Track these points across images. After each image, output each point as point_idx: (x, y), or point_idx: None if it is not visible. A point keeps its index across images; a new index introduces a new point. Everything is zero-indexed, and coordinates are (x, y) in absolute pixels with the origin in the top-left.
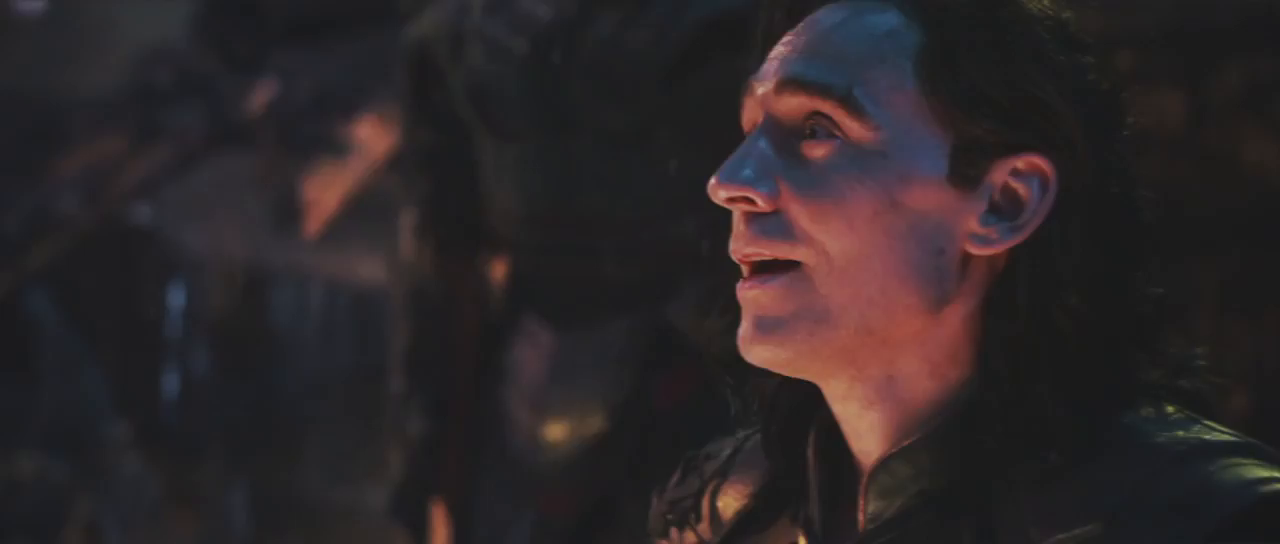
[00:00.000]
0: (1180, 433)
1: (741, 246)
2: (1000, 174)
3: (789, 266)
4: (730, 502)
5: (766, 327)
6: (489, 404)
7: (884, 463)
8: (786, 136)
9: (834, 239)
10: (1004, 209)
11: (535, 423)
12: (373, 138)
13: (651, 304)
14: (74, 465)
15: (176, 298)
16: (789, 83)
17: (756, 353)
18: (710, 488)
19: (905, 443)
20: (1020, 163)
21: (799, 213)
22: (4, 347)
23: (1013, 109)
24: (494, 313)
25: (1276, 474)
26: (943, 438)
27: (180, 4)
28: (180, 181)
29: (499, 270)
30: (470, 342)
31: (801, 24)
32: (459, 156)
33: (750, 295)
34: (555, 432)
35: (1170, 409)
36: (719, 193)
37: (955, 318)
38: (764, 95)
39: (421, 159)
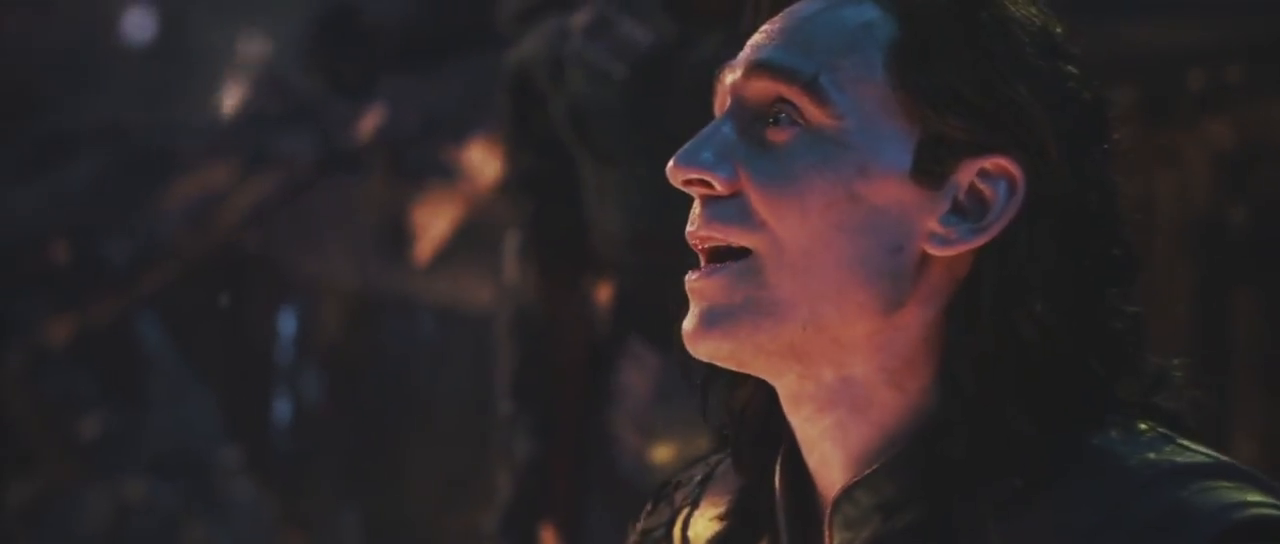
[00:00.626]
0: (1152, 455)
1: (696, 230)
2: (966, 174)
3: (741, 255)
4: (702, 529)
5: (712, 319)
6: (596, 427)
7: (847, 492)
8: (751, 122)
9: (787, 228)
10: (968, 210)
11: (642, 445)
12: (482, 162)
13: None
14: (184, 491)
15: (287, 325)
16: (757, 67)
17: (701, 347)
18: (681, 517)
19: (868, 471)
20: (988, 164)
21: (755, 199)
22: (115, 373)
23: (983, 108)
24: (599, 335)
25: (1253, 497)
26: (905, 462)
27: (289, 31)
28: (290, 209)
29: (604, 293)
30: (575, 364)
31: (781, 13)
32: (562, 180)
33: (697, 287)
34: (662, 453)
35: (1143, 427)
36: (676, 175)
37: (913, 323)
38: (733, 81)
39: (524, 183)
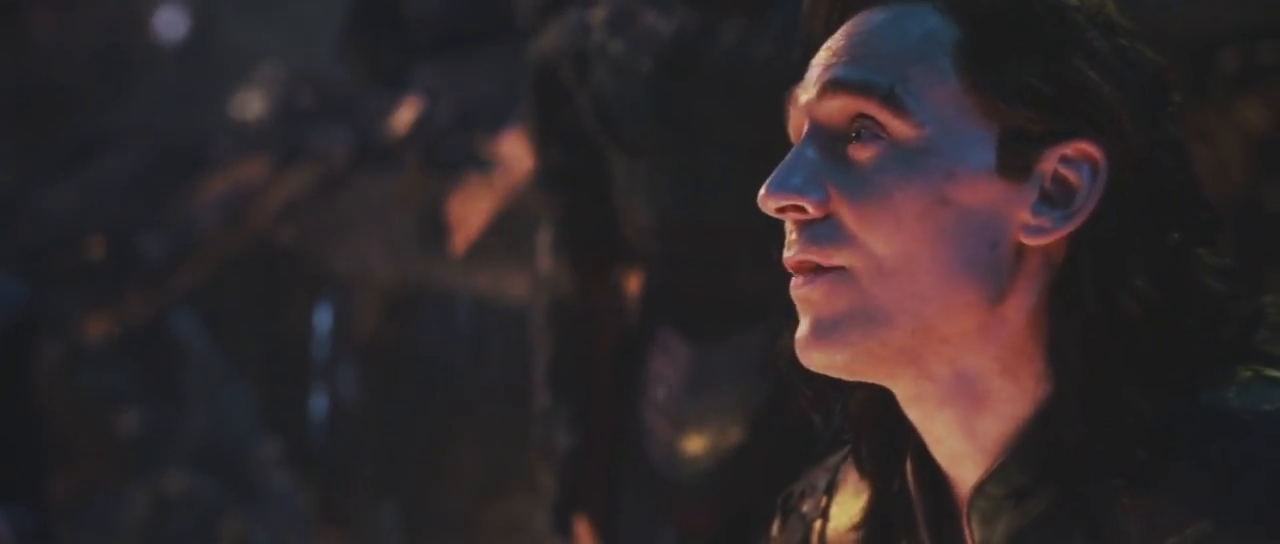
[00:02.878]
0: (1267, 406)
1: (794, 255)
2: (1049, 162)
3: (837, 268)
4: (837, 540)
5: (822, 330)
6: (628, 418)
7: (980, 488)
8: (833, 141)
9: (882, 241)
10: (1056, 197)
11: (673, 436)
12: (517, 154)
13: (787, 313)
14: (223, 485)
15: (323, 319)
16: (831, 86)
17: (814, 358)
18: (816, 530)
19: (995, 465)
20: (1069, 150)
21: (849, 217)
22: (152, 368)
23: (1056, 97)
24: (631, 326)
25: None
26: (1028, 450)
27: (321, 26)
28: (325, 203)
29: (634, 284)
30: (610, 355)
31: (840, 30)
32: (591, 173)
33: (802, 294)
34: (693, 444)
35: (1248, 375)
36: (769, 203)
37: (1017, 312)
38: (808, 103)
39: (554, 177)
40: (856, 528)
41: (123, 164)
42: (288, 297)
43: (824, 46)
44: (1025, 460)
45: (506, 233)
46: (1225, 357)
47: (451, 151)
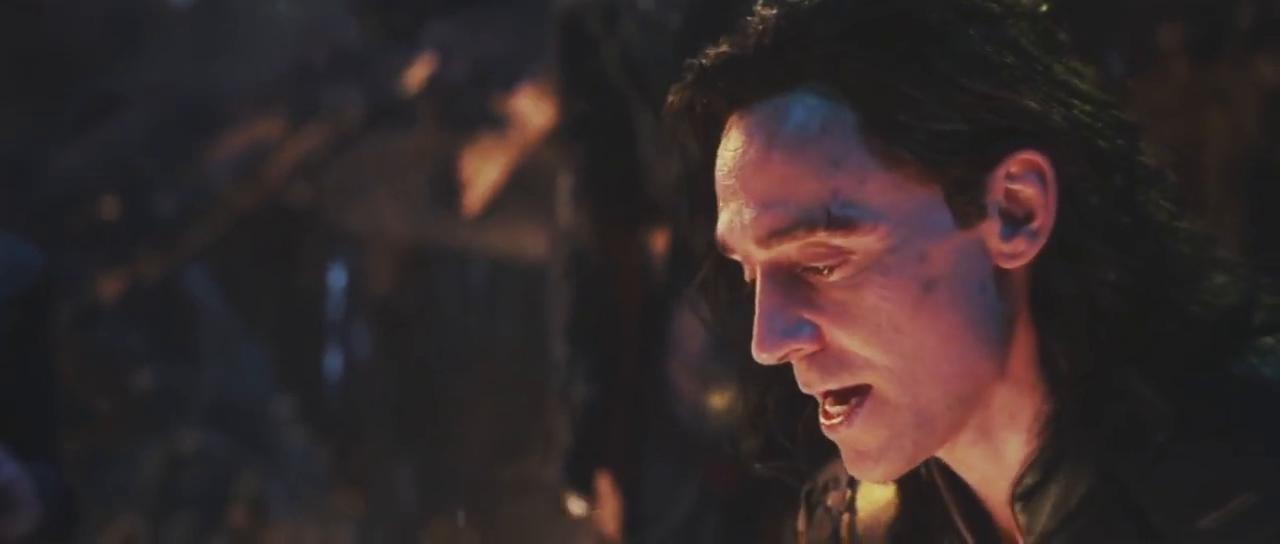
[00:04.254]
0: None
1: (814, 386)
2: (998, 187)
3: (862, 390)
4: (867, 534)
5: (870, 461)
6: (654, 375)
7: (1020, 481)
8: (794, 276)
9: (890, 352)
10: (1018, 215)
11: (700, 393)
12: (532, 110)
13: None
14: (237, 442)
15: (338, 277)
16: (768, 239)
17: (873, 476)
18: (845, 524)
19: (1028, 463)
20: (1010, 167)
21: (847, 342)
22: (166, 326)
23: (971, 128)
24: (656, 284)
25: None
26: (1060, 439)
27: None
28: (339, 161)
29: (660, 240)
30: (631, 309)
31: (733, 160)
32: (615, 124)
33: (841, 436)
34: (719, 401)
35: (1272, 343)
36: (764, 359)
37: (1020, 332)
38: (750, 255)
39: (577, 128)
40: (887, 521)
41: (136, 123)
42: (302, 255)
43: (729, 183)
44: (1060, 449)
45: (521, 190)
46: (1237, 328)
47: (465, 109)
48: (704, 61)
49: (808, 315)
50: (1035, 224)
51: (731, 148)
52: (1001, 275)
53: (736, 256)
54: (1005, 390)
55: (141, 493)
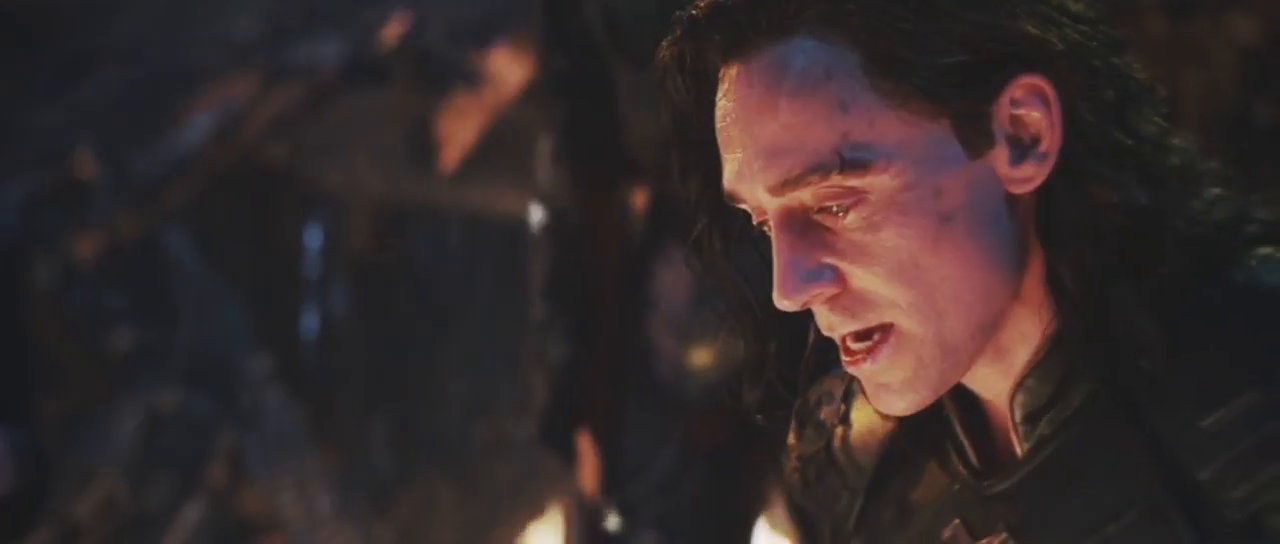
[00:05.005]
0: None
1: (837, 329)
2: (1003, 114)
3: (884, 328)
4: (861, 445)
5: (895, 393)
6: (633, 332)
7: (1021, 383)
8: (808, 220)
9: (912, 288)
10: (1025, 141)
11: (679, 349)
12: (508, 68)
13: None
14: (216, 400)
15: (314, 237)
16: (781, 187)
17: (900, 407)
18: (837, 437)
19: (1028, 370)
20: (1014, 93)
21: (869, 282)
22: (144, 286)
23: (973, 57)
24: (635, 241)
25: None
26: (1063, 352)
27: None
28: (315, 119)
29: (639, 198)
30: (610, 268)
31: (735, 110)
32: (595, 82)
33: (864, 371)
34: (700, 357)
35: (1270, 251)
36: (789, 307)
37: (1032, 251)
38: (762, 205)
39: (557, 85)
40: (882, 433)
41: (111, 83)
42: (278, 214)
43: (733, 134)
44: (1064, 357)
45: (497, 149)
46: (1233, 238)
47: (441, 66)
48: (695, 12)
49: (827, 259)
50: (1043, 147)
51: (733, 98)
52: (1012, 201)
53: (745, 206)
54: (1018, 310)
55: (120, 452)
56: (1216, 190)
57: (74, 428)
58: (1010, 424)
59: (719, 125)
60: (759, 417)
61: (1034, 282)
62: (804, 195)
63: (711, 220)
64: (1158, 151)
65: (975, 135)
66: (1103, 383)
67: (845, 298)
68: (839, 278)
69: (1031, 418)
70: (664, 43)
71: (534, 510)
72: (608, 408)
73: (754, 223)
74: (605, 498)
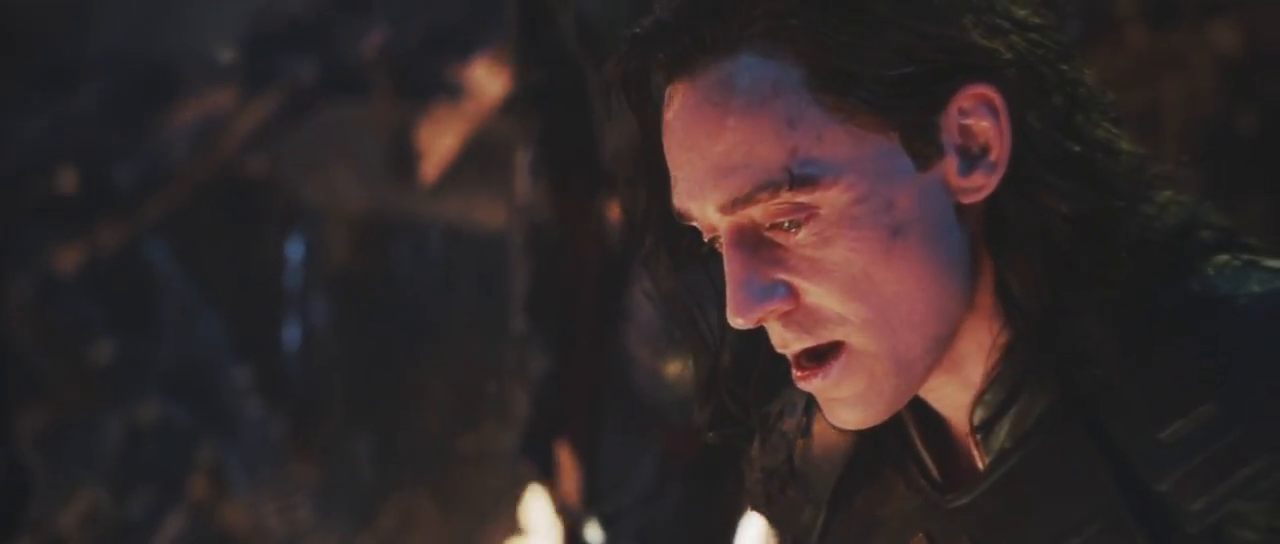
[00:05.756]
0: (1257, 287)
1: (791, 345)
2: (951, 124)
3: (834, 347)
4: (823, 457)
5: (848, 408)
6: (612, 344)
7: (979, 398)
8: (760, 237)
9: (865, 304)
10: (973, 149)
11: (656, 361)
12: (487, 80)
13: None
14: (197, 412)
15: (295, 249)
16: (731, 205)
17: (851, 422)
18: (798, 449)
19: (987, 381)
20: (961, 103)
21: (821, 298)
22: (124, 298)
23: (918, 70)
24: (613, 252)
25: None
26: (1017, 363)
27: None
28: (294, 130)
29: (616, 209)
30: (589, 281)
31: (683, 130)
32: (571, 94)
33: (815, 386)
34: (675, 369)
35: (1227, 259)
36: (743, 325)
37: (983, 260)
38: (708, 223)
39: (534, 98)
40: (844, 445)
41: (92, 94)
42: (259, 225)
43: (682, 153)
44: (1018, 369)
45: (477, 160)
46: (1184, 246)
47: (420, 78)
48: (638, 30)
49: (780, 275)
50: (992, 156)
51: (680, 117)
52: (962, 210)
53: (696, 224)
54: (971, 320)
55: (101, 464)
56: (1168, 194)
57: (56, 440)
58: (970, 437)
59: (667, 144)
60: (712, 435)
61: (986, 291)
62: (754, 212)
63: (660, 238)
64: (1107, 157)
65: (924, 147)
66: (1060, 394)
67: (798, 314)
68: (792, 294)
69: (990, 430)
70: (610, 61)
71: (515, 522)
72: (587, 419)
73: (705, 240)
74: (586, 509)
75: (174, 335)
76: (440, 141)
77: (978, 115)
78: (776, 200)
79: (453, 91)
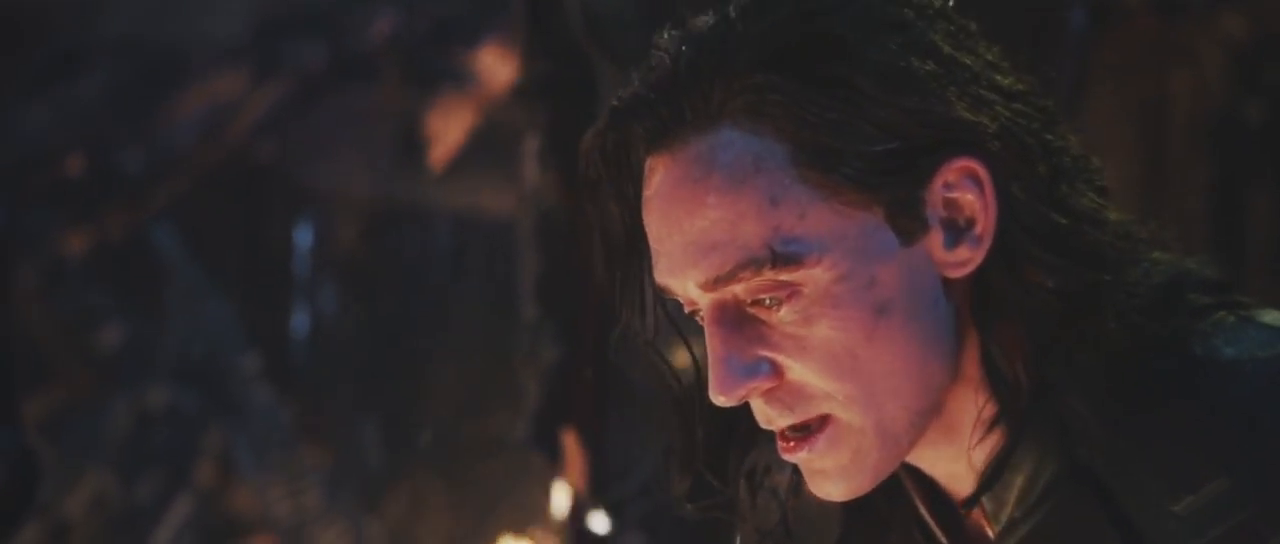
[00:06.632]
0: (1262, 352)
1: (775, 422)
2: (935, 198)
3: (821, 421)
4: (820, 518)
5: (839, 476)
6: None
7: (981, 472)
8: (742, 313)
9: (849, 379)
10: (958, 223)
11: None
12: (496, 67)
13: None
14: (205, 398)
15: (303, 236)
16: (712, 283)
17: (836, 494)
18: (790, 507)
19: (994, 449)
20: (946, 176)
21: (804, 375)
22: (132, 284)
23: (904, 146)
24: None
25: None
26: (1015, 434)
27: None
28: (303, 117)
29: None
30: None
31: (664, 205)
32: (578, 83)
33: (801, 459)
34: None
35: (1230, 319)
36: (723, 401)
37: (969, 330)
38: (689, 298)
39: (541, 87)
40: (841, 509)
41: (100, 80)
42: (267, 212)
43: (663, 229)
44: (1012, 446)
45: (485, 148)
46: (1174, 307)
47: (429, 65)
48: (617, 103)
49: (763, 352)
50: (977, 229)
51: (660, 192)
52: (948, 283)
53: (677, 298)
54: (960, 390)
55: (109, 450)
56: (1157, 254)
57: (63, 425)
58: (970, 504)
59: (647, 218)
60: (688, 508)
61: (972, 360)
62: (737, 289)
63: (637, 311)
64: (1093, 228)
65: (909, 222)
66: (1066, 462)
67: (782, 391)
68: (776, 371)
69: (998, 500)
70: (588, 133)
71: (523, 509)
72: (596, 408)
73: (685, 312)
74: (592, 498)
75: (182, 321)
76: (449, 129)
77: (963, 188)
78: (759, 278)
79: (461, 79)
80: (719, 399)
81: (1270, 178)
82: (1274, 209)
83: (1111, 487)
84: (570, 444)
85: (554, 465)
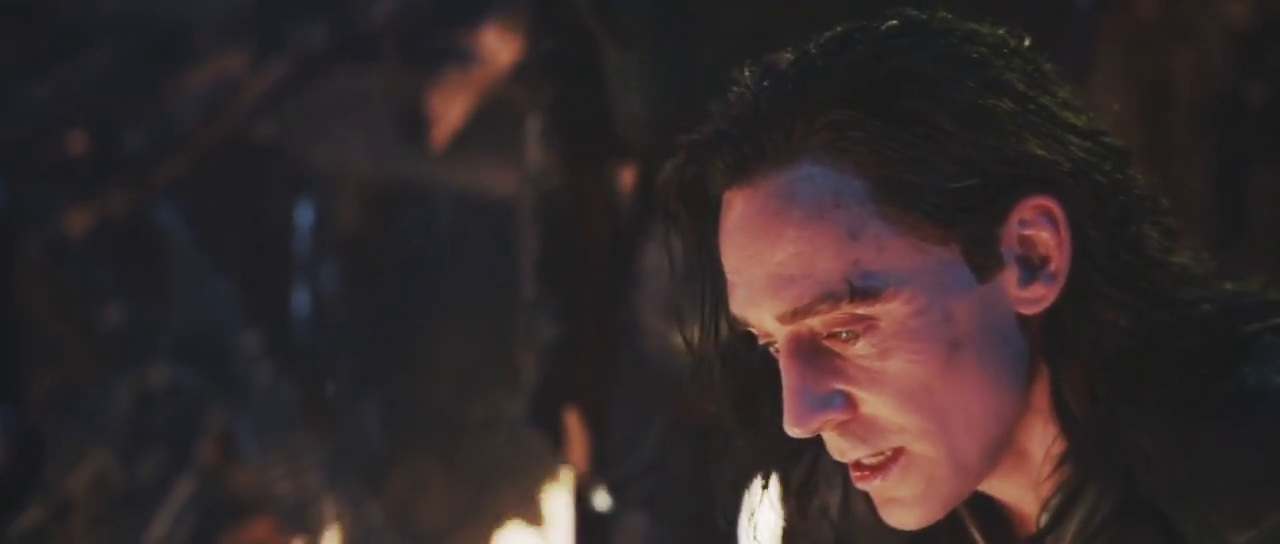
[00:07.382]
0: None
1: (848, 454)
2: (1011, 235)
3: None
4: (870, 537)
5: (907, 505)
6: (621, 312)
7: (1047, 503)
8: (817, 346)
9: (923, 413)
10: (1033, 260)
11: (666, 329)
12: (498, 47)
13: None
14: (207, 377)
15: (304, 215)
16: (790, 316)
17: (908, 522)
18: (841, 527)
19: (1058, 480)
20: (1022, 214)
21: (879, 408)
22: (134, 262)
23: (982, 183)
24: (624, 220)
25: None
26: (1080, 467)
27: None
28: (304, 97)
29: (628, 177)
30: (600, 248)
31: (742, 239)
32: (583, 63)
33: (875, 488)
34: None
35: (1273, 342)
36: (798, 433)
37: (1040, 365)
38: (765, 330)
39: (545, 66)
40: (890, 533)
41: (102, 58)
42: (269, 191)
43: (741, 262)
44: (1076, 480)
45: (487, 127)
46: (1233, 325)
47: (431, 45)
48: (697, 136)
49: (837, 385)
50: (1052, 267)
51: (738, 226)
52: (1021, 319)
53: (753, 331)
54: (1031, 419)
55: (111, 428)
56: (1222, 284)
57: (64, 404)
58: (1037, 533)
59: (725, 251)
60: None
61: (1043, 393)
62: (813, 322)
63: (711, 342)
64: (1161, 268)
65: (985, 258)
66: (1127, 494)
67: (855, 424)
68: (849, 404)
69: (1058, 533)
70: (667, 166)
71: (523, 489)
72: (596, 387)
73: (760, 344)
74: (594, 477)
75: (183, 300)
76: (451, 108)
77: (1038, 226)
78: (836, 312)
79: (463, 58)
80: (794, 431)
81: (1272, 159)
82: (1276, 190)
83: (1172, 521)
84: (571, 423)
85: (555, 445)
